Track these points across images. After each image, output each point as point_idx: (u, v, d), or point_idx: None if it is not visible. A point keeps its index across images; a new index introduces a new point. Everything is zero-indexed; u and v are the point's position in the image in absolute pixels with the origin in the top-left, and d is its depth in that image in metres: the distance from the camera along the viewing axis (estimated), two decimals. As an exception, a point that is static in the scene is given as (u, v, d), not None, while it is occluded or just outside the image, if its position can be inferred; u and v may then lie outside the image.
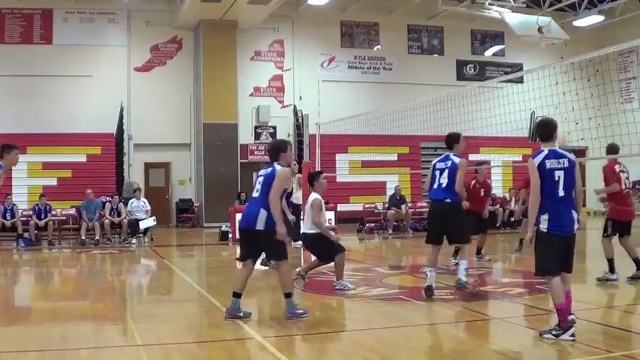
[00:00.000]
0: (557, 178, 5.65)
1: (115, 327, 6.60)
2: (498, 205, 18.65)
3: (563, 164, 5.68)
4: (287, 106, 23.77)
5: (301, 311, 6.54)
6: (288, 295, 6.56)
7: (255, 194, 6.60)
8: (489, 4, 19.06)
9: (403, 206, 18.81)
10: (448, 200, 7.62)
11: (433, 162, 8.03)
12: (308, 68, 23.93)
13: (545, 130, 5.88)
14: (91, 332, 6.24)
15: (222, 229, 16.83)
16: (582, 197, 5.94)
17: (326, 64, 24.34)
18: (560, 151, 5.78)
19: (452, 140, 8.03)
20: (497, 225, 17.67)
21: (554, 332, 5.51)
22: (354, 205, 21.18)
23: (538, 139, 5.98)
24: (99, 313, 7.37)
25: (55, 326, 6.57)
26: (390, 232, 18.43)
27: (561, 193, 5.64)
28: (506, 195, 20.13)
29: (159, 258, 12.46)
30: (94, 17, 21.94)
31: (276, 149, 6.78)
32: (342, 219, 18.70)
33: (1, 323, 6.63)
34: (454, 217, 7.67)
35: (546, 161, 5.67)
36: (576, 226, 5.68)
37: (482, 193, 11.28)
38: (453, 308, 7.18)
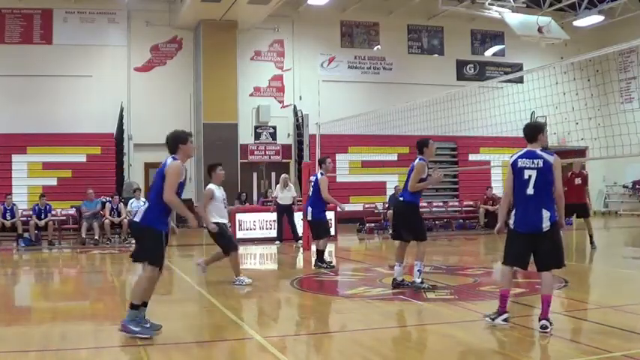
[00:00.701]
0: (526, 177, 5.90)
1: (115, 327, 6.59)
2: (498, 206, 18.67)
3: (537, 164, 5.89)
4: (287, 106, 23.77)
5: (138, 329, 5.76)
6: (133, 307, 5.83)
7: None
8: (489, 4, 19.07)
9: (403, 206, 18.81)
10: (401, 199, 8.49)
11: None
12: (308, 68, 23.92)
13: (529, 131, 6.11)
14: (91, 332, 6.25)
15: (222, 229, 16.82)
16: (563, 200, 6.09)
17: (326, 64, 24.33)
18: (538, 152, 5.96)
19: (421, 145, 8.47)
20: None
21: (491, 316, 6.06)
22: (354, 205, 21.16)
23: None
24: (99, 313, 7.37)
25: (55, 326, 6.57)
26: (390, 232, 18.42)
27: (530, 191, 5.88)
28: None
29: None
30: (94, 17, 21.93)
31: (175, 141, 6.17)
32: (342, 219, 18.69)
33: (1, 323, 6.63)
34: (408, 215, 8.43)
35: (519, 160, 5.97)
36: (545, 225, 5.81)
37: (576, 182, 12.18)
38: (453, 308, 7.18)
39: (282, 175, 16.14)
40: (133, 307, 5.82)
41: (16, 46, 21.15)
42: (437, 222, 20.52)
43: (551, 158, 5.95)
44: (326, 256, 11.03)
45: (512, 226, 5.99)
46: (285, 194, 15.48)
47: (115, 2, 21.83)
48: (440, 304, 7.39)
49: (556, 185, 5.94)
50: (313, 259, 11.09)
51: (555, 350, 5.38)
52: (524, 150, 6.03)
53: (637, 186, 25.45)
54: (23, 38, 21.31)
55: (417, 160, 8.36)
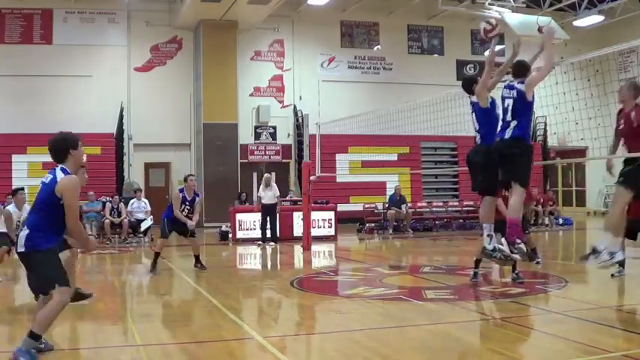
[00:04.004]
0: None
1: (114, 327, 6.61)
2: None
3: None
4: (287, 106, 23.77)
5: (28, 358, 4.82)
6: (33, 336, 4.89)
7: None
8: (489, 4, 19.09)
9: (403, 206, 18.83)
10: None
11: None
12: (308, 68, 23.93)
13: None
14: (91, 332, 6.24)
15: (222, 229, 16.85)
16: None
17: (326, 64, 24.34)
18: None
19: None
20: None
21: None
22: (354, 205, 21.18)
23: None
24: (99, 313, 7.37)
25: (55, 326, 6.56)
26: (390, 232, 18.45)
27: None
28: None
29: (159, 258, 12.45)
30: (94, 17, 21.94)
31: (64, 145, 5.14)
32: (342, 219, 18.71)
33: (1, 323, 6.63)
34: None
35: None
36: None
37: None
38: (453, 308, 7.18)
39: (265, 175, 16.17)
40: (33, 336, 4.87)
41: (16, 46, 21.16)
42: (437, 222, 20.52)
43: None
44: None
45: None
46: (267, 193, 15.50)
47: (115, 2, 21.84)
48: (440, 304, 7.39)
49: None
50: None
51: (555, 350, 5.38)
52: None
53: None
54: (23, 38, 21.32)
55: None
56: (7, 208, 10.13)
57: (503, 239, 6.74)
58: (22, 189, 10.34)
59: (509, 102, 6.67)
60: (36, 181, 19.48)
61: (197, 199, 11.06)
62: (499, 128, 6.87)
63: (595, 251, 6.35)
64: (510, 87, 6.83)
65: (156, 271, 10.45)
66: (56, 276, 4.93)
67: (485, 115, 7.25)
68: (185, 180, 11.13)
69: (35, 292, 5.37)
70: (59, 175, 5.00)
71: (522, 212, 6.83)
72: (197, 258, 10.94)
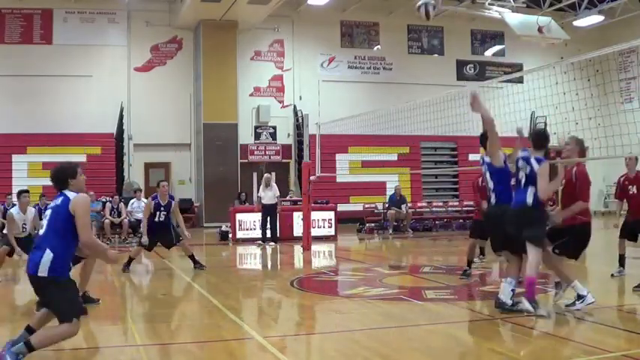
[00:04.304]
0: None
1: (114, 327, 6.61)
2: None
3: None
4: (287, 106, 23.78)
5: None
6: (28, 345, 4.80)
7: (41, 231, 5.14)
8: (489, 4, 19.05)
9: (403, 206, 18.83)
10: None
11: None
12: (308, 68, 23.93)
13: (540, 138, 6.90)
14: (91, 332, 6.24)
15: (222, 229, 16.84)
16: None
17: (326, 64, 24.34)
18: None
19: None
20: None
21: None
22: (354, 205, 21.19)
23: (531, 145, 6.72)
24: (99, 313, 7.36)
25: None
26: (390, 232, 18.45)
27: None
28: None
29: (159, 258, 12.46)
30: (94, 17, 21.95)
31: (63, 175, 5.30)
32: (342, 219, 18.71)
33: (1, 323, 6.63)
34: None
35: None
36: None
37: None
38: (453, 308, 7.18)
39: (265, 175, 16.18)
40: (29, 346, 4.80)
41: (16, 46, 21.17)
42: (437, 222, 20.52)
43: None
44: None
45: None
46: (267, 194, 15.50)
47: (115, 2, 21.84)
48: (440, 304, 7.39)
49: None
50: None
51: (555, 350, 5.38)
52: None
53: (637, 186, 25.41)
54: (23, 38, 21.32)
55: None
56: (10, 211, 10.06)
57: (523, 298, 6.64)
58: (27, 191, 10.28)
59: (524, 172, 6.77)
60: (36, 181, 19.41)
61: (172, 202, 10.89)
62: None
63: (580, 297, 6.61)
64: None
65: (128, 270, 10.66)
66: (74, 310, 4.95)
67: (499, 174, 7.15)
68: (158, 185, 11.03)
69: (43, 307, 5.24)
70: (70, 194, 5.14)
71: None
72: (193, 258, 10.91)
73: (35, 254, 4.95)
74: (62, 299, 4.93)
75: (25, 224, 9.88)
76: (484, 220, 7.74)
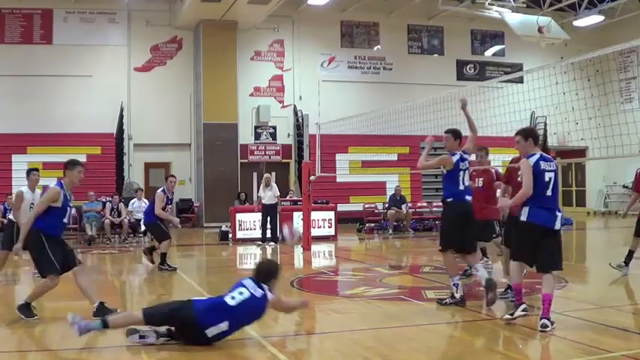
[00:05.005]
0: (547, 179, 6.17)
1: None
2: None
3: (553, 167, 6.25)
4: (287, 106, 23.77)
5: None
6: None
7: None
8: (489, 4, 19.08)
9: (403, 206, 18.83)
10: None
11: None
12: (308, 68, 23.93)
13: (536, 135, 6.53)
14: (90, 332, 6.23)
15: (222, 229, 16.83)
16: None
17: (326, 64, 24.33)
18: (548, 156, 6.37)
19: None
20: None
21: (509, 313, 6.24)
22: (354, 205, 21.17)
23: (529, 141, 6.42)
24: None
25: (55, 326, 6.56)
26: (390, 232, 18.45)
27: (549, 192, 6.17)
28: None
29: (159, 258, 12.45)
30: (94, 17, 21.95)
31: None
32: (342, 219, 18.71)
33: (1, 323, 6.63)
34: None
35: (540, 162, 6.19)
36: (557, 225, 6.16)
37: None
38: (453, 308, 7.18)
39: (265, 175, 16.18)
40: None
41: (16, 46, 21.16)
42: (437, 222, 20.50)
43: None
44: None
45: (528, 220, 6.14)
46: (267, 194, 15.50)
47: (115, 2, 21.84)
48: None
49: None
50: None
51: (555, 350, 5.38)
52: (539, 153, 6.29)
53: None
54: (23, 38, 21.32)
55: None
56: (20, 189, 9.68)
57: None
58: (37, 170, 10.07)
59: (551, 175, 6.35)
60: (36, 181, 18.82)
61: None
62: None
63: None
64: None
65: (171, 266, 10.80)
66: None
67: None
68: (166, 180, 11.47)
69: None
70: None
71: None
72: (164, 256, 10.99)
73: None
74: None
75: (32, 204, 9.67)
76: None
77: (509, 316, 6.18)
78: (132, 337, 5.57)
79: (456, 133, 7.68)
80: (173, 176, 11.75)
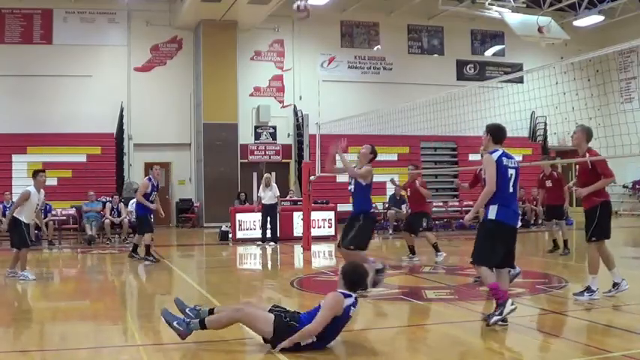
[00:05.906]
0: (509, 176, 6.17)
1: (115, 327, 6.61)
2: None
3: (515, 164, 6.25)
4: (287, 106, 23.77)
5: None
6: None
7: None
8: (489, 4, 19.07)
9: (403, 206, 18.81)
10: None
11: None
12: (308, 68, 23.92)
13: (502, 133, 6.42)
14: (91, 332, 6.24)
15: (222, 229, 16.83)
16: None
17: (326, 64, 24.33)
18: (509, 153, 6.35)
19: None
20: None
21: (494, 313, 5.98)
22: (354, 205, 21.13)
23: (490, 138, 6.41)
24: (99, 313, 7.37)
25: (55, 326, 6.57)
26: (390, 232, 18.44)
27: (511, 189, 6.19)
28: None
29: (159, 258, 12.46)
30: (94, 17, 21.94)
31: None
32: (342, 219, 18.63)
33: (1, 323, 6.63)
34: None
35: (503, 158, 6.18)
36: (518, 223, 6.28)
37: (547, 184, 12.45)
38: (453, 308, 7.18)
39: (265, 175, 16.18)
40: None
41: (16, 46, 21.15)
42: (437, 222, 20.50)
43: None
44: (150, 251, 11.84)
45: (497, 219, 6.07)
46: (267, 194, 15.51)
47: (115, 2, 21.83)
48: (440, 304, 7.39)
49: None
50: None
51: (555, 350, 5.38)
52: (502, 150, 6.26)
53: (637, 186, 25.44)
54: (23, 38, 21.31)
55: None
56: (28, 189, 9.87)
57: None
58: (43, 171, 10.31)
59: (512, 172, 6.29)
60: (36, 181, 18.76)
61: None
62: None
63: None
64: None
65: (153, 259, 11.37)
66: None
67: None
68: (151, 169, 12.17)
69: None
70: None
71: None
72: (149, 248, 11.69)
73: None
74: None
75: (38, 204, 9.93)
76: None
77: (497, 316, 5.95)
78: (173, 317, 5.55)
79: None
80: (158, 165, 12.47)
